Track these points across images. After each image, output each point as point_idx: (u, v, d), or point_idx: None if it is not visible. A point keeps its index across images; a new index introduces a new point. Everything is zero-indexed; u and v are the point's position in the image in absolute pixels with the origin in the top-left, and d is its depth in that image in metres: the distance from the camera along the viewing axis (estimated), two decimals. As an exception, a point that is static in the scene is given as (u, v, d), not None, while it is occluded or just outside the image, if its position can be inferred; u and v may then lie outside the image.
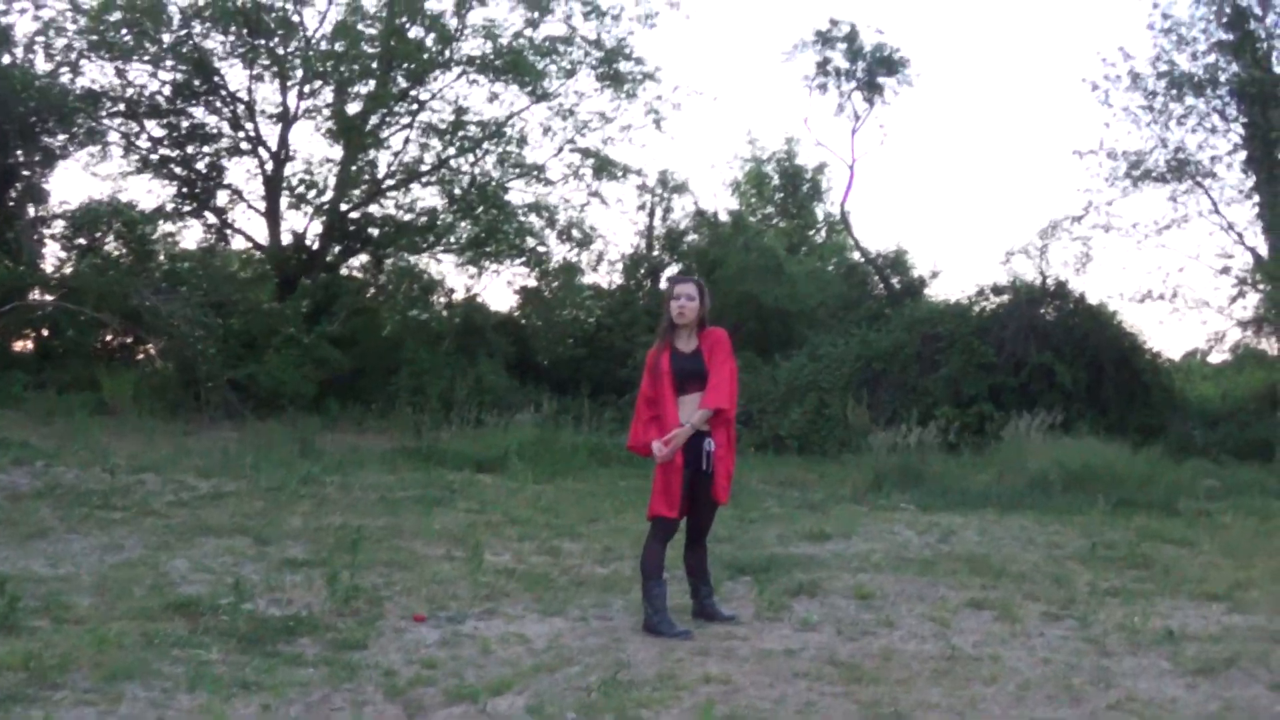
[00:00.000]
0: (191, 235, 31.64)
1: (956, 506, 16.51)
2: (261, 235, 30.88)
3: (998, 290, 28.28)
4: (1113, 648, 8.42)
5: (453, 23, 29.49)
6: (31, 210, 28.45)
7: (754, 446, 24.11)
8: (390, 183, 31.28)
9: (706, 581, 9.17)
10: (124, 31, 27.58)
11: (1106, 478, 18.40)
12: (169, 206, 30.26)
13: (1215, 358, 31.65)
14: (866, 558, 12.00)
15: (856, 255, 37.20)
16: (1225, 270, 27.10)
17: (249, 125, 30.11)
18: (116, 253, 27.89)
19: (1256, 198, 26.01)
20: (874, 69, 34.43)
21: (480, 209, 30.07)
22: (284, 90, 29.71)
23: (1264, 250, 25.97)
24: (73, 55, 28.12)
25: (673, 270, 35.46)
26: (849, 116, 35.28)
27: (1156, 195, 29.76)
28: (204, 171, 30.73)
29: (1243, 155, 26.18)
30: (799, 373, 26.65)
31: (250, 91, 29.72)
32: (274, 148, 30.10)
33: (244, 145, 30.54)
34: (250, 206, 30.89)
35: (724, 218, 36.79)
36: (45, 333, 27.91)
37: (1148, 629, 8.86)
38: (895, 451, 20.27)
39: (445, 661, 7.47)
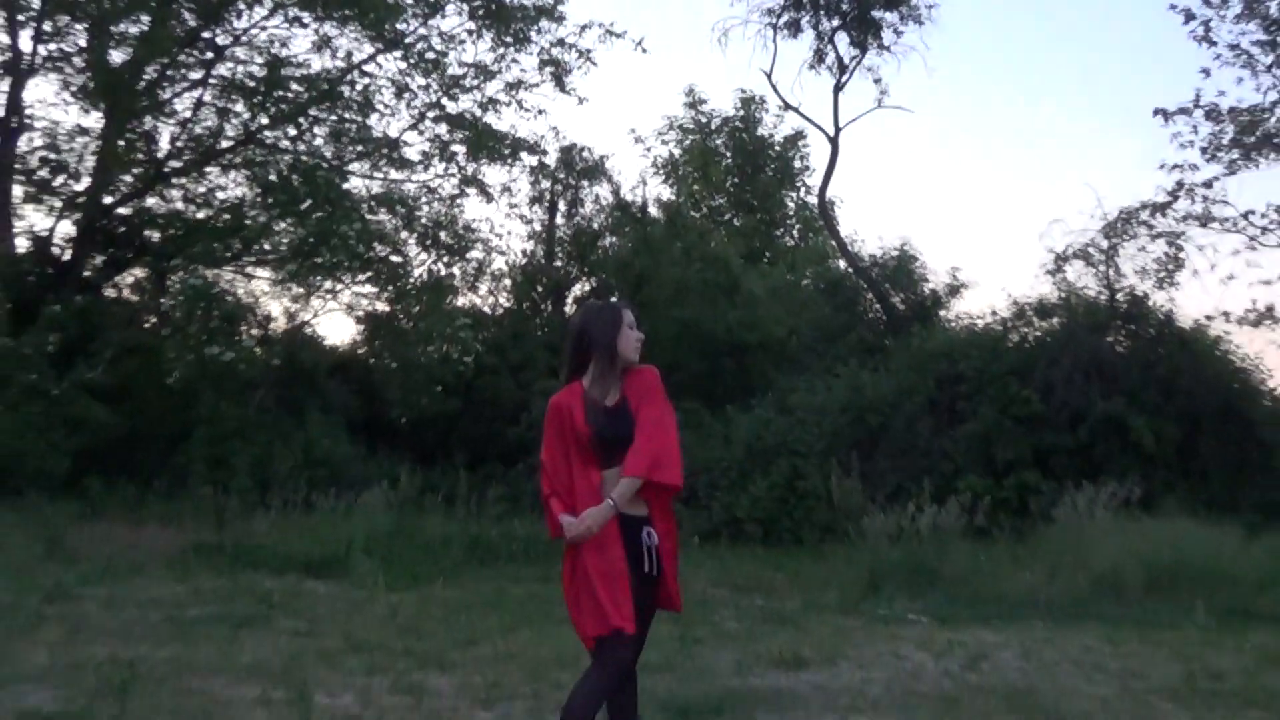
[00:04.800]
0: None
1: (989, 618, 16.53)
2: (-15, 239, 30.41)
3: (1044, 311, 28.44)
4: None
5: (263, -66, 29.24)
6: None
7: (699, 536, 24.06)
8: (176, 165, 31.04)
9: None
10: None
11: (1208, 576, 18.43)
12: None
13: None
14: (861, 692, 11.96)
15: (842, 264, 37.25)
16: (1390, 276, 27.20)
17: (-39, 79, 29.69)
18: None
19: None
20: (867, -1, 34.60)
21: (307, 202, 29.70)
22: (13, 29, 29.36)
23: None
24: None
25: (584, 289, 35.39)
26: (830, 69, 35.51)
27: (1280, 170, 29.60)
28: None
29: None
30: (763, 431, 26.67)
31: (-39, 31, 29.35)
32: (1, 113, 29.70)
33: (-48, 108, 30.08)
34: (-33, 198, 30.44)
35: (655, 213, 36.85)
36: None
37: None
38: (900, 541, 20.25)
39: None
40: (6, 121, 29.55)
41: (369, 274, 30.93)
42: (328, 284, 31.01)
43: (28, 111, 29.95)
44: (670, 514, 8.58)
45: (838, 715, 11.03)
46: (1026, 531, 22.81)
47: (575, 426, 8.27)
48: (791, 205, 42.02)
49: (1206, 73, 27.92)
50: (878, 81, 35.70)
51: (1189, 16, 27.17)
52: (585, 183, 36.08)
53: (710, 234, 37.25)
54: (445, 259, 32.38)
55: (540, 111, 34.54)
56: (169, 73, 29.95)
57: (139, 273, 32.19)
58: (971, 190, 70.93)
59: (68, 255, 30.19)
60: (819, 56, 35.34)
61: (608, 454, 8.25)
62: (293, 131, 31.09)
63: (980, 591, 18.54)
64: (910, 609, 17.12)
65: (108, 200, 30.31)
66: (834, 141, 35.59)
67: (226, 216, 30.93)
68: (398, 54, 30.76)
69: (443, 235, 31.95)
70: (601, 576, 8.10)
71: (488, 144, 31.18)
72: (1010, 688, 12.29)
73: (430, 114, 31.15)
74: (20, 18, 29.01)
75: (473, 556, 20.24)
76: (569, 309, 35.40)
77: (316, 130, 31.25)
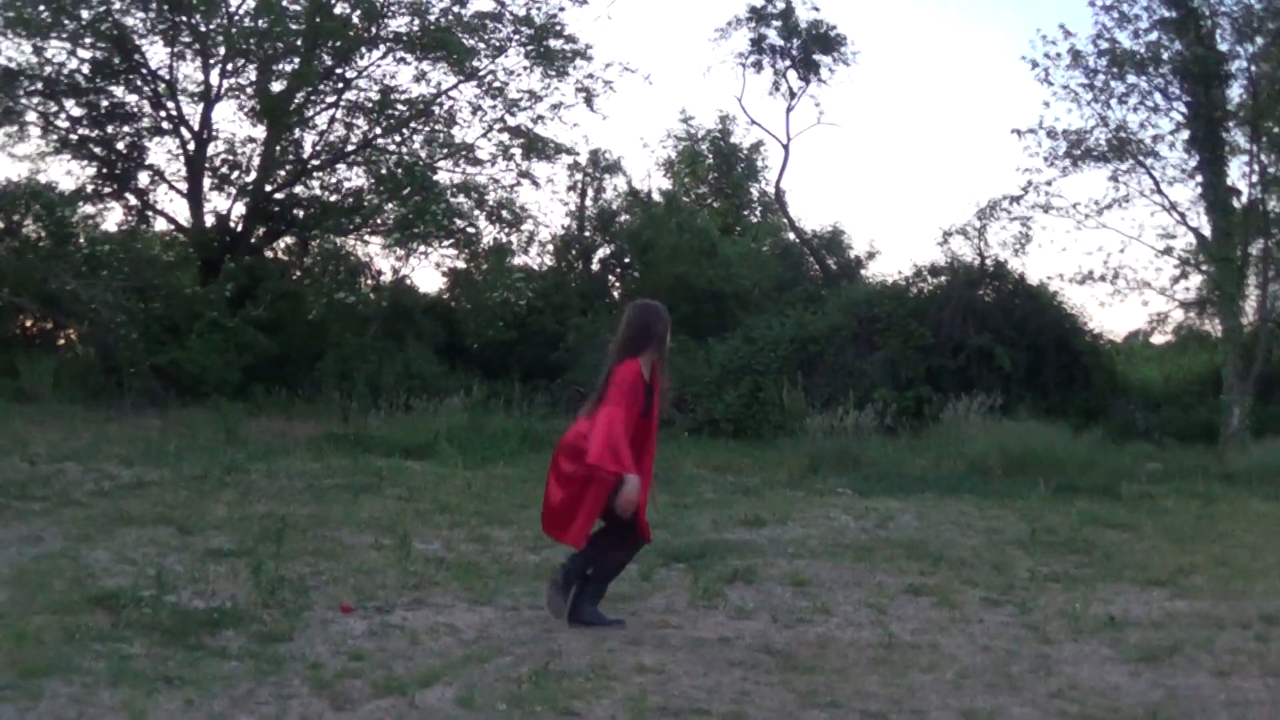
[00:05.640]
0: (112, 217, 31.30)
1: (894, 491, 16.59)
2: (184, 217, 30.72)
3: (935, 271, 28.53)
4: (1053, 634, 8.45)
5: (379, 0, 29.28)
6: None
7: (688, 431, 24.27)
8: (315, 163, 31.14)
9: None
10: (41, 8, 27.13)
11: (1047, 461, 18.56)
12: (89, 188, 30.04)
13: (1157, 339, 32.01)
14: (803, 544, 12.02)
15: (791, 236, 37.22)
16: (1167, 251, 27.27)
17: (170, 104, 29.86)
18: (35, 236, 27.42)
19: (1199, 177, 26.01)
20: (809, 46, 34.56)
21: (407, 189, 29.73)
22: (206, 68, 29.49)
23: (1207, 230, 25.99)
24: (-12, 33, 27.68)
25: (605, 252, 35.57)
26: (784, 95, 35.47)
27: (1097, 175, 29.74)
28: (124, 152, 30.52)
29: (1185, 134, 26.14)
30: (734, 355, 26.71)
31: (171, 70, 29.51)
32: (196, 127, 29.88)
33: (165, 125, 30.31)
34: (172, 187, 30.70)
35: (657, 198, 36.89)
36: (-40, 319, 27.53)
37: (1089, 615, 8.91)
38: (832, 435, 20.25)
39: (373, 653, 7.42)
40: (200, 134, 29.75)
41: (451, 241, 30.90)
42: (422, 248, 30.90)
43: (215, 127, 30.19)
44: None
45: (786, 559, 11.09)
46: (921, 429, 22.90)
47: (641, 399, 8.31)
48: (755, 193, 41.70)
49: (1047, 104, 28.48)
50: (817, 105, 35.82)
51: (1034, 64, 27.21)
52: (607, 176, 36.04)
53: (696, 213, 37.01)
54: (506, 230, 32.36)
55: (575, 124, 35.08)
56: (311, 97, 30.01)
57: (289, 240, 32.43)
58: (884, 181, 70.92)
59: (240, 228, 30.32)
60: (775, 86, 35.28)
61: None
62: (398, 139, 31.15)
63: (888, 472, 18.60)
64: (838, 484, 17.15)
65: (268, 188, 30.43)
66: (786, 148, 35.60)
67: (350, 200, 30.97)
68: (473, 83, 30.71)
69: (504, 213, 31.86)
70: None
71: (537, 148, 31.04)
72: (909, 540, 12.36)
73: (496, 126, 30.99)
74: (211, 60, 29.16)
75: (524, 444, 20.27)
76: (595, 268, 35.55)
77: (415, 138, 31.27)
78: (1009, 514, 14.60)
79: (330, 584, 9.32)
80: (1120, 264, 27.58)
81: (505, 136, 31.20)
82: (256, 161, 30.46)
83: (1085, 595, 9.58)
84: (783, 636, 8.24)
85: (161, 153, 31.16)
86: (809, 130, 39.55)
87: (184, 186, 30.33)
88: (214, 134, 30.31)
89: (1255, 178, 25.77)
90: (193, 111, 30.02)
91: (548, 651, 7.58)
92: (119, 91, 29.94)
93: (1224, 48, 25.89)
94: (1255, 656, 7.95)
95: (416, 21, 29.81)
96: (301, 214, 31.37)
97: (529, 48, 30.65)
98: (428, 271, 57.07)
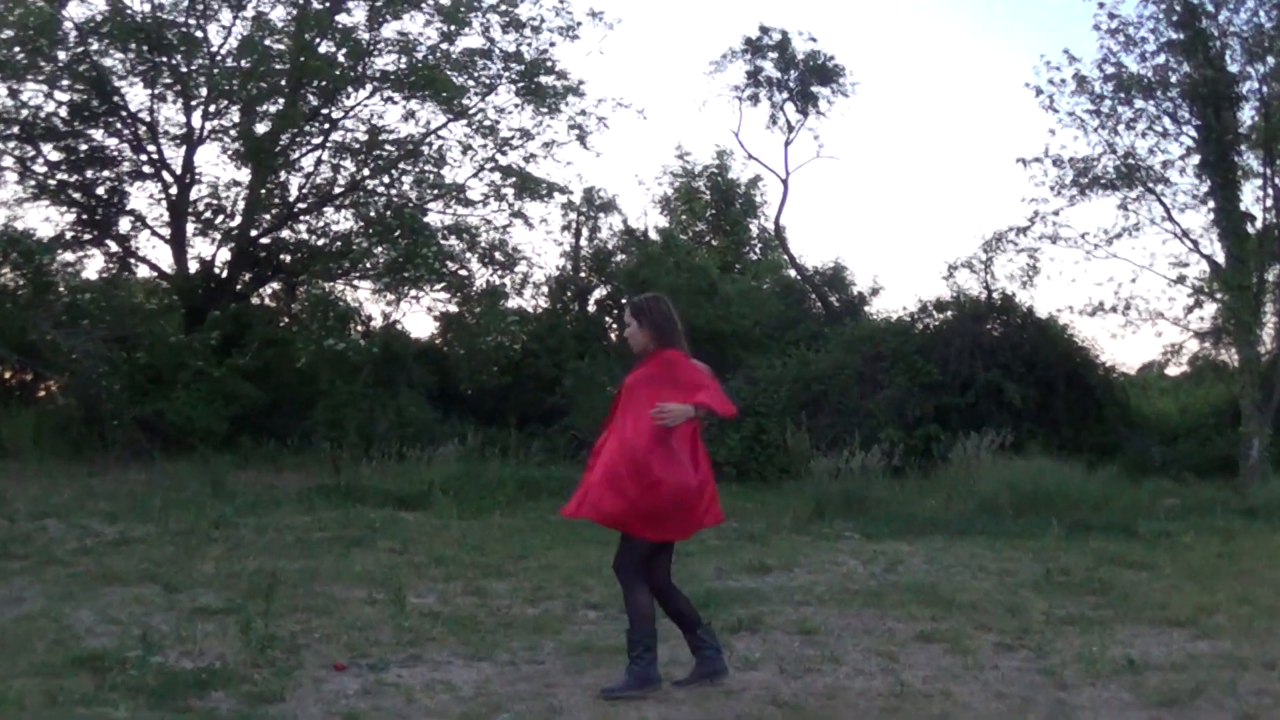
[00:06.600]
0: (93, 265, 31.37)
1: (903, 534, 16.55)
2: (167, 263, 30.73)
3: (941, 306, 28.55)
4: (1071, 679, 8.40)
5: (365, 37, 29.46)
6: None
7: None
8: (302, 206, 31.23)
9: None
10: (17, 50, 27.23)
11: (1060, 500, 18.54)
12: (68, 235, 30.02)
13: (1173, 371, 31.97)
14: (810, 590, 11.98)
15: (793, 272, 37.22)
16: (1180, 280, 27.22)
17: (151, 147, 29.95)
18: (13, 285, 27.30)
19: (1211, 203, 25.94)
20: (807, 78, 34.62)
21: (397, 232, 29.77)
22: (188, 110, 29.57)
23: (1221, 258, 25.93)
24: (-39, 76, 27.75)
25: (601, 294, 35.52)
26: (782, 128, 35.49)
27: (1106, 203, 29.65)
28: (104, 197, 30.57)
29: (1196, 159, 26.09)
30: (735, 397, 26.21)
31: (152, 112, 29.63)
32: (178, 171, 29.95)
33: (146, 169, 30.36)
34: (154, 233, 30.77)
35: (654, 236, 36.79)
36: (-65, 371, 27.54)
37: (1107, 658, 8.85)
38: (838, 477, 20.22)
39: (367, 713, 7.37)
40: (183, 178, 29.87)
41: (443, 284, 30.91)
42: (413, 292, 30.94)
43: (198, 170, 30.31)
44: None
45: (793, 607, 11.05)
46: (930, 469, 22.89)
47: None
48: (754, 230, 41.74)
49: (1052, 132, 28.13)
50: (816, 138, 35.79)
51: (1039, 91, 27.20)
52: (601, 214, 35.98)
53: (694, 251, 37.07)
54: (499, 272, 32.35)
55: (568, 163, 35.22)
56: (297, 139, 30.15)
57: (276, 286, 32.44)
58: (887, 215, 71.03)
59: (225, 274, 30.36)
60: (773, 119, 35.32)
61: None
62: (387, 180, 31.18)
63: (896, 514, 18.58)
64: (845, 528, 17.12)
65: (253, 233, 30.51)
66: (785, 183, 35.59)
67: (338, 244, 31.02)
68: (463, 122, 30.76)
69: (497, 255, 31.90)
70: None
71: (529, 187, 31.06)
72: (919, 584, 12.32)
73: (487, 166, 31.04)
74: (193, 102, 29.28)
75: (521, 493, 20.28)
76: (592, 310, 35.50)
77: (404, 179, 31.31)
78: (1022, 555, 14.56)
79: (322, 641, 9.27)
80: (1132, 294, 27.57)
81: (497, 176, 31.25)
82: (241, 205, 30.57)
83: (1103, 638, 9.53)
84: (790, 687, 8.20)
85: (143, 197, 31.16)
86: (808, 164, 39.36)
87: (166, 232, 30.39)
88: (197, 178, 30.43)
89: (1270, 202, 25.78)
90: (174, 155, 30.16)
91: (548, 707, 7.54)
92: (98, 135, 29.99)
93: (1234, 69, 25.87)
94: (1281, 699, 7.91)
95: (404, 59, 29.90)
96: (288, 259, 31.46)
97: (519, 84, 30.74)
98: (419, 316, 56.85)
